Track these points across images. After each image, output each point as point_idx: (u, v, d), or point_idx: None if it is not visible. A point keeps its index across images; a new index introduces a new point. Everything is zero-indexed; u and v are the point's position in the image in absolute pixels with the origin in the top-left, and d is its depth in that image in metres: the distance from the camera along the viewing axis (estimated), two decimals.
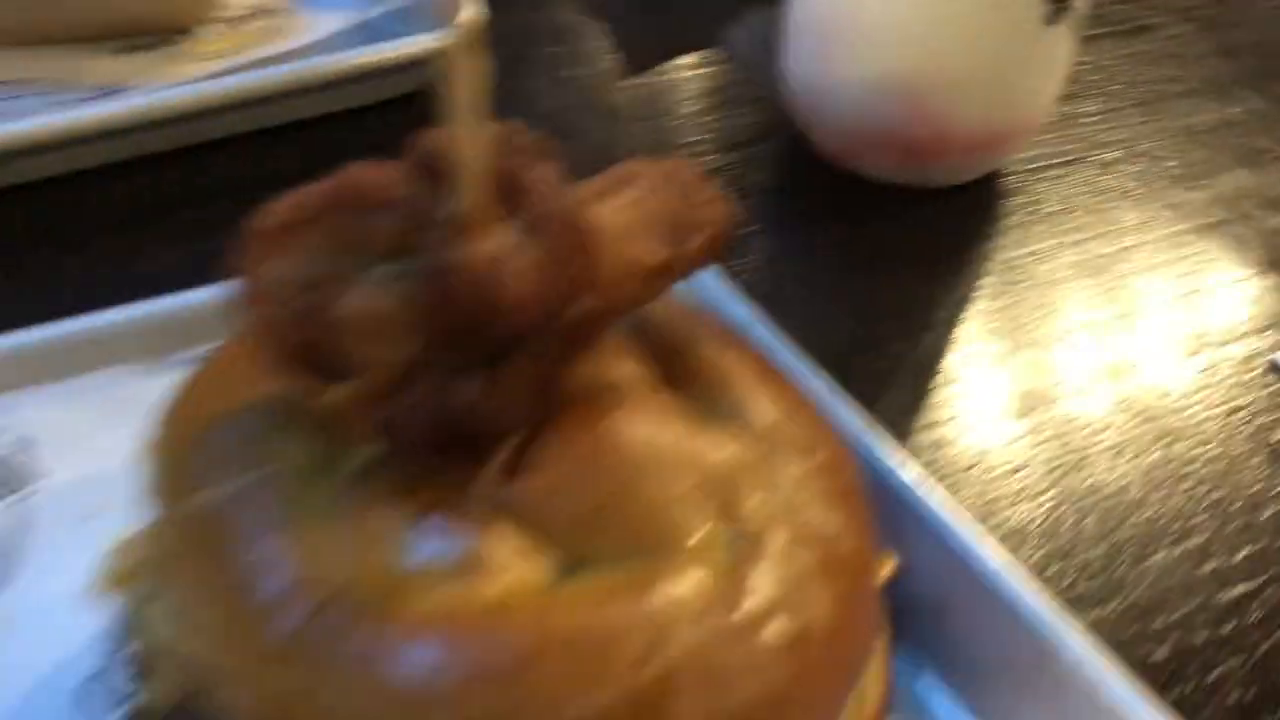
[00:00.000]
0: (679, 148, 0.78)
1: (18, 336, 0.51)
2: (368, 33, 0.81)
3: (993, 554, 0.45)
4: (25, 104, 0.69)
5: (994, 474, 0.57)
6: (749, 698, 0.34)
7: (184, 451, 0.39)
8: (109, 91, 0.71)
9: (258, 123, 0.73)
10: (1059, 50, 0.70)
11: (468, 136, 0.35)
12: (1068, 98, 0.87)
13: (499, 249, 0.35)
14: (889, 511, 0.47)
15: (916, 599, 0.47)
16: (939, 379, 0.62)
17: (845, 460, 0.43)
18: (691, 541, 0.36)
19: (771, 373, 0.45)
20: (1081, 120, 0.85)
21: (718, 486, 0.38)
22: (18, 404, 0.50)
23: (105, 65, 0.74)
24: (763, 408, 0.42)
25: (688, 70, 0.87)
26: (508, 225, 0.36)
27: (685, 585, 0.35)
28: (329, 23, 0.81)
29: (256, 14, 0.83)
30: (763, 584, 0.36)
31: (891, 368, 0.62)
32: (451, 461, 0.37)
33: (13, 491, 0.48)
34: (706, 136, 0.80)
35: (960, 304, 0.67)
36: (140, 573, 0.39)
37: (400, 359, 0.35)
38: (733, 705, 0.34)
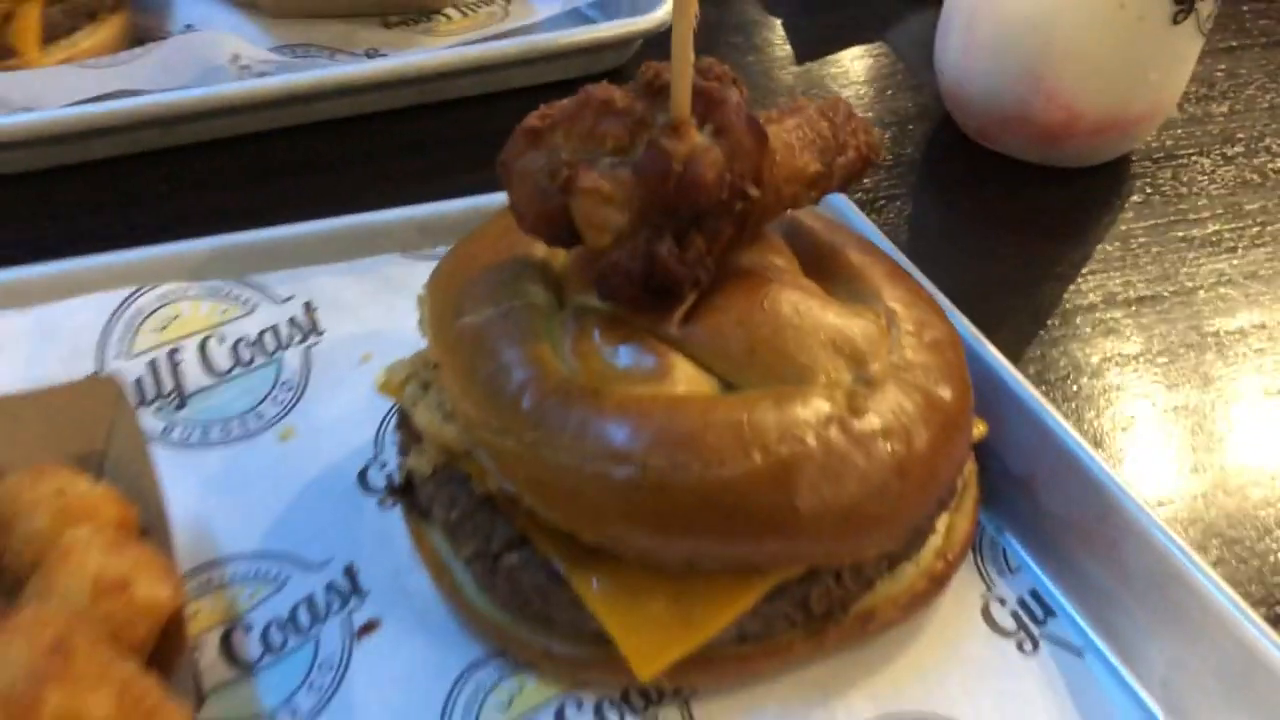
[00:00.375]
0: None
1: (312, 225, 0.66)
2: (574, 17, 0.95)
3: (1071, 430, 0.55)
4: (311, 60, 0.85)
5: (1092, 389, 0.67)
6: (855, 494, 0.46)
7: (449, 293, 0.53)
8: (375, 54, 0.87)
9: (485, 87, 0.87)
10: (1184, 48, 0.79)
11: (679, 64, 0.47)
12: (1200, 99, 0.95)
13: (697, 145, 0.47)
14: (988, 393, 0.58)
15: (1005, 469, 0.58)
16: (1051, 320, 0.72)
17: (953, 340, 0.54)
18: (822, 379, 0.48)
19: (897, 272, 0.56)
20: (1211, 118, 0.93)
21: (846, 344, 0.50)
22: (309, 275, 0.65)
23: (373, 35, 0.90)
24: (888, 294, 0.54)
25: (852, 60, 0.98)
26: (704, 130, 0.48)
27: (814, 404, 0.47)
28: (544, 9, 0.96)
29: (486, 1, 0.98)
30: (877, 414, 0.47)
31: (1010, 307, 0.72)
32: (646, 308, 0.50)
33: (302, 340, 0.63)
34: (866, 114, 0.91)
35: (1078, 264, 0.77)
36: (410, 379, 0.53)
37: (617, 225, 0.48)
38: (843, 496, 0.46)
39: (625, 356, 0.48)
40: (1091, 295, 0.75)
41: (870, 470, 0.46)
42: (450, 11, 0.96)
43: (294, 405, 0.60)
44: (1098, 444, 0.64)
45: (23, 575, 0.44)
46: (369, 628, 0.51)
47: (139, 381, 0.60)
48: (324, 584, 0.52)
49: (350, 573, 0.53)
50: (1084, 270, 0.77)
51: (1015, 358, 0.68)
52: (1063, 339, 0.71)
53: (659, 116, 0.49)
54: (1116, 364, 0.70)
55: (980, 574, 0.55)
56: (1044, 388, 0.67)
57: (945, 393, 0.50)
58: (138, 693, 0.39)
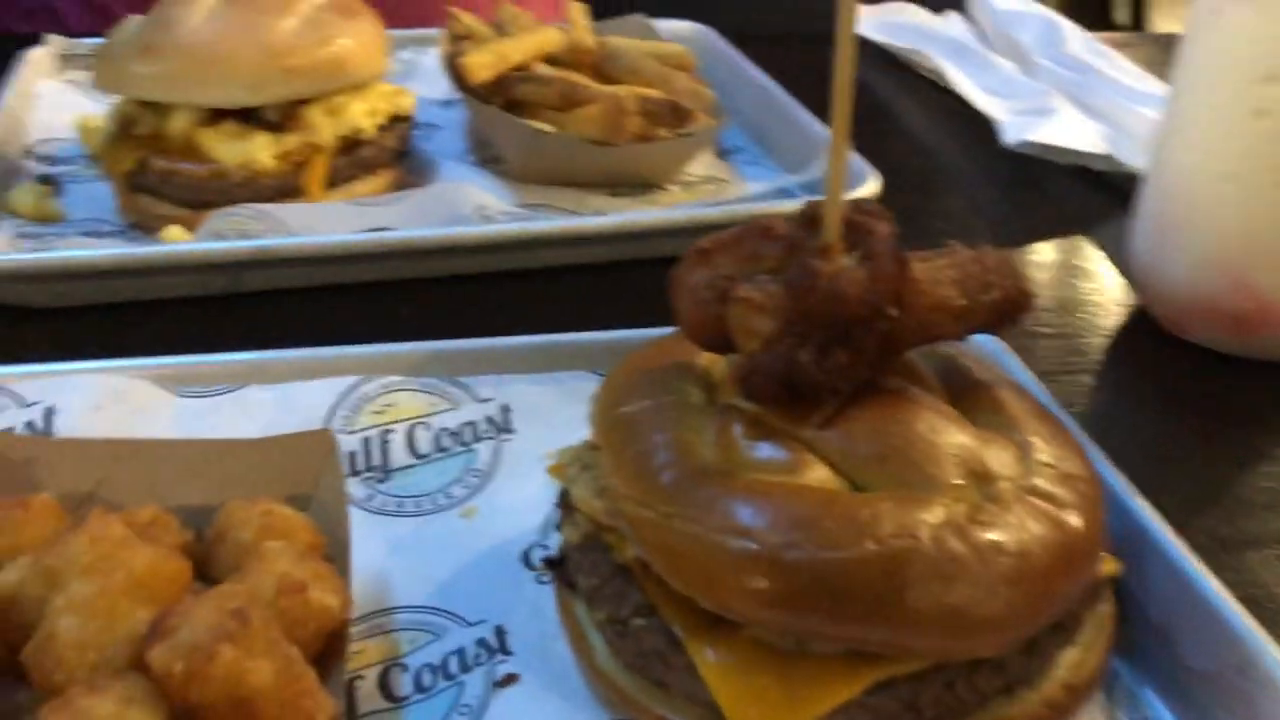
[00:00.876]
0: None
1: (519, 339, 0.75)
2: (784, 195, 1.03)
3: (1211, 579, 0.55)
4: (545, 216, 0.97)
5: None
6: (964, 594, 0.48)
7: (615, 389, 0.59)
8: (599, 215, 0.98)
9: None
10: None
11: (832, 194, 0.54)
12: None
13: (843, 265, 0.53)
14: (1134, 543, 0.59)
15: (1147, 620, 0.58)
16: (1222, 497, 0.72)
17: (1089, 477, 0.55)
18: (948, 490, 0.51)
19: (1043, 413, 0.59)
20: None
21: (977, 463, 0.53)
22: (509, 382, 0.73)
23: (602, 201, 1.01)
24: (1028, 428, 0.56)
25: (1050, 250, 1.02)
26: (852, 255, 0.54)
27: (935, 509, 0.50)
28: (756, 187, 1.05)
29: (708, 180, 1.08)
30: (997, 527, 0.50)
31: (1177, 479, 0.72)
32: (787, 410, 0.54)
33: (496, 435, 0.71)
34: (1058, 302, 0.94)
35: (1263, 454, 0.76)
36: (574, 462, 0.59)
37: (766, 331, 0.54)
38: (951, 595, 0.48)
39: (762, 449, 0.53)
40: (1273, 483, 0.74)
41: (982, 574, 0.48)
42: (673, 186, 1.06)
43: (480, 490, 0.68)
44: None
45: (225, 579, 0.52)
46: (508, 680, 0.56)
47: (353, 454, 0.69)
48: (475, 639, 0.58)
49: (500, 633, 0.58)
50: (1268, 464, 0.76)
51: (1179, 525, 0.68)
52: (1233, 514, 0.70)
53: (812, 243, 0.55)
54: None
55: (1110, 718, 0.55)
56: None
57: (1072, 520, 0.52)
58: (296, 672, 0.45)
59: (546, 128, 0.99)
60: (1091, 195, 1.11)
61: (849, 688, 0.49)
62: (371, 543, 0.63)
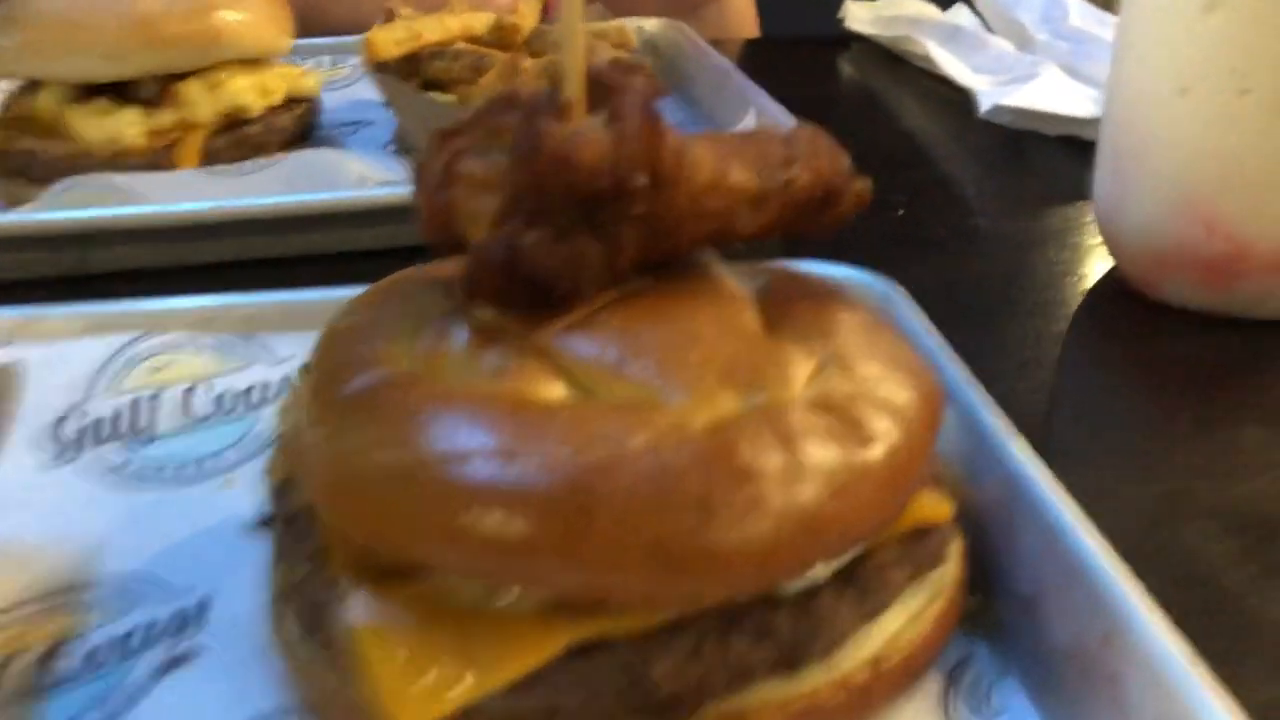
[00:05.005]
0: (996, 282, 0.79)
1: (325, 292, 0.65)
2: None
3: (1088, 536, 0.42)
4: None
5: None
6: (676, 527, 0.36)
7: (354, 304, 0.48)
8: None
9: None
10: None
11: (571, 47, 0.43)
12: None
13: (579, 127, 0.42)
14: (1005, 500, 0.46)
15: (1013, 591, 0.45)
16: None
17: (917, 405, 0.43)
18: (686, 399, 0.39)
19: (882, 332, 0.46)
20: None
21: (743, 370, 0.41)
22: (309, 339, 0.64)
23: None
24: (844, 342, 0.44)
25: (1036, 222, 0.89)
26: (596, 116, 0.43)
27: (666, 415, 0.38)
28: None
29: None
30: (745, 440, 0.38)
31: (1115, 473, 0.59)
32: (521, 311, 0.43)
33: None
34: (1030, 271, 0.81)
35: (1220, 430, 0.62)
36: (294, 395, 0.49)
37: (492, 213, 0.43)
38: (662, 527, 0.36)
39: (479, 358, 0.42)
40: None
41: (700, 493, 0.36)
42: None
43: (254, 457, 0.57)
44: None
45: None
46: (180, 660, 0.45)
47: (116, 416, 0.59)
48: (173, 610, 0.47)
49: (204, 604, 0.48)
50: (1226, 429, 0.62)
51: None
52: (1178, 484, 0.56)
53: (553, 108, 0.44)
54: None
55: (945, 712, 0.42)
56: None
57: (865, 444, 0.39)
58: None
59: (447, 98, 0.91)
60: (1083, 165, 0.97)
61: (544, 648, 0.37)
62: (106, 512, 0.53)
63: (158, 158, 0.86)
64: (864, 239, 0.85)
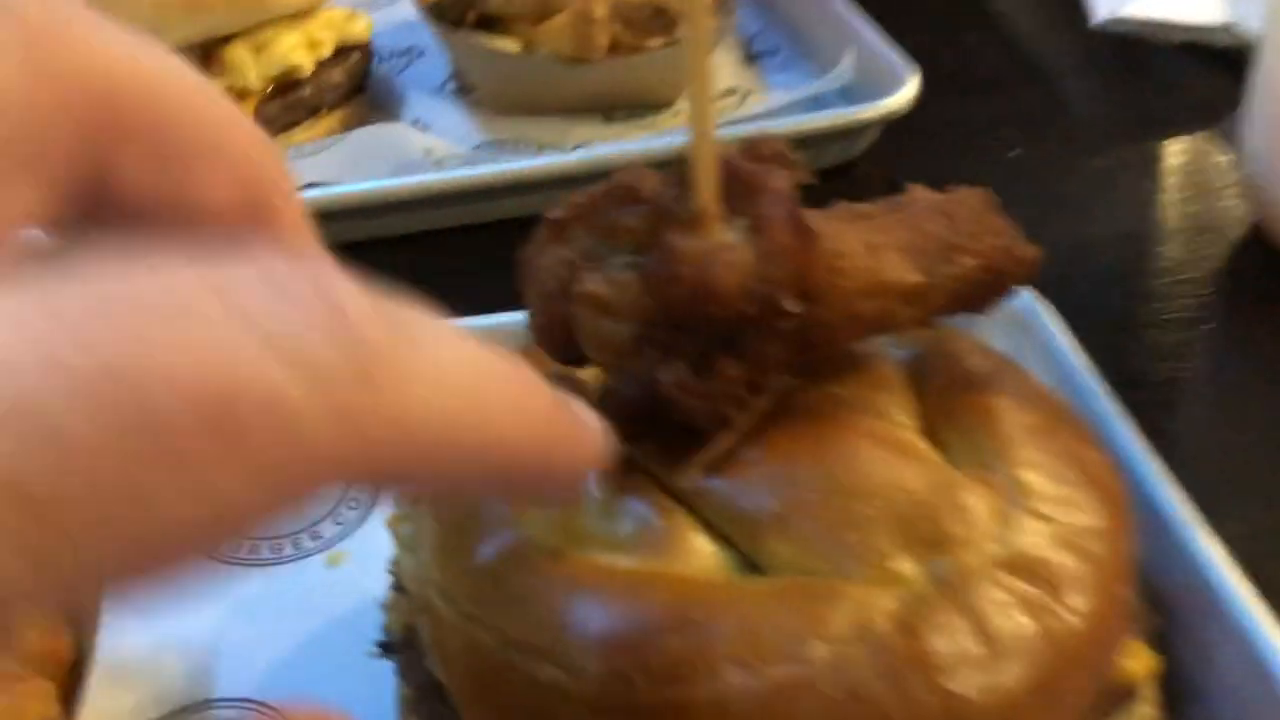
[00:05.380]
0: (1118, 233, 0.72)
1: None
2: (818, 106, 0.84)
3: None
4: (517, 156, 0.81)
5: None
6: None
7: None
8: (580, 148, 0.81)
9: None
10: None
11: (703, 139, 0.37)
12: None
13: (715, 243, 0.36)
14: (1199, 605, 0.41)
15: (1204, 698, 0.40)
16: None
17: (1110, 531, 0.38)
18: (872, 569, 0.35)
19: (1057, 428, 0.41)
20: None
21: (926, 523, 0.36)
22: None
23: (590, 130, 0.84)
24: (1021, 457, 0.39)
25: (1157, 155, 0.81)
26: (734, 224, 0.37)
27: (848, 610, 0.33)
28: (785, 96, 0.86)
29: (728, 93, 0.90)
30: (938, 634, 0.33)
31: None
32: (665, 446, 0.38)
33: None
34: (1156, 219, 0.74)
35: None
36: (414, 514, 0.45)
37: (621, 342, 0.38)
38: None
39: (615, 512, 0.37)
40: None
41: (893, 713, 0.32)
42: (684, 104, 0.88)
43: (356, 528, 0.54)
44: None
45: None
46: None
47: None
48: None
49: None
50: None
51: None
52: None
53: (682, 208, 0.38)
54: None
55: None
56: None
57: (1069, 610, 0.35)
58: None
59: (511, 47, 0.83)
60: (1211, 79, 0.88)
61: None
62: (213, 606, 0.50)
63: None
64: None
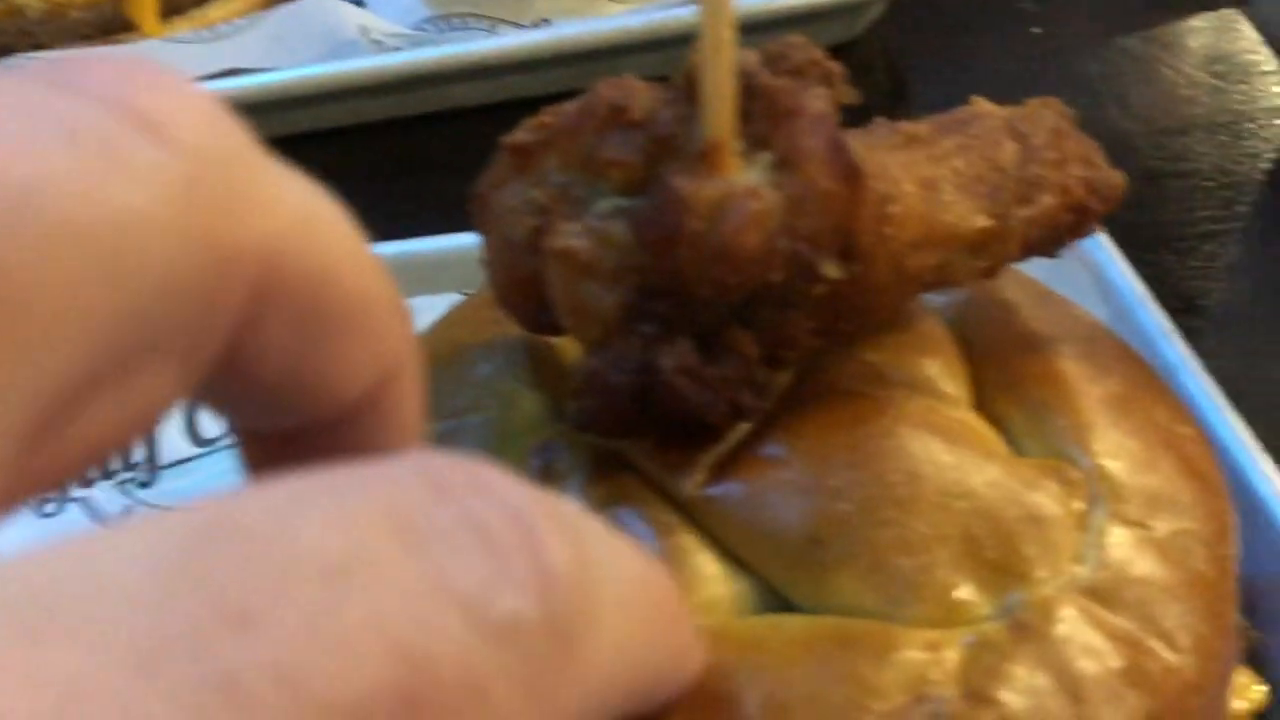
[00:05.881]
0: (1156, 126, 0.64)
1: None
2: None
3: None
4: (460, 36, 0.71)
5: None
6: None
7: None
8: (543, 26, 0.71)
9: (665, 68, 0.69)
10: None
11: (718, 47, 0.28)
12: None
13: (736, 187, 0.28)
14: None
15: None
16: None
17: (1215, 535, 0.31)
18: (933, 605, 0.27)
19: (1141, 400, 0.34)
20: None
21: (993, 539, 0.28)
22: None
23: (553, 3, 0.74)
24: (1102, 441, 0.31)
25: (1191, 29, 0.72)
26: (757, 159, 0.28)
27: (903, 665, 0.26)
28: None
29: None
30: (1015, 693, 0.26)
31: None
32: (664, 439, 0.30)
33: None
34: (1196, 112, 0.65)
35: None
36: None
37: (607, 312, 0.29)
38: None
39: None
40: None
41: None
42: None
43: None
44: None
45: None
46: None
47: None
48: None
49: None
50: None
51: None
52: None
53: (689, 136, 0.29)
54: None
55: None
56: None
57: (1172, 644, 0.28)
58: None
59: None
60: None
61: None
62: None
63: (105, 11, 0.69)
64: (992, 75, 0.69)
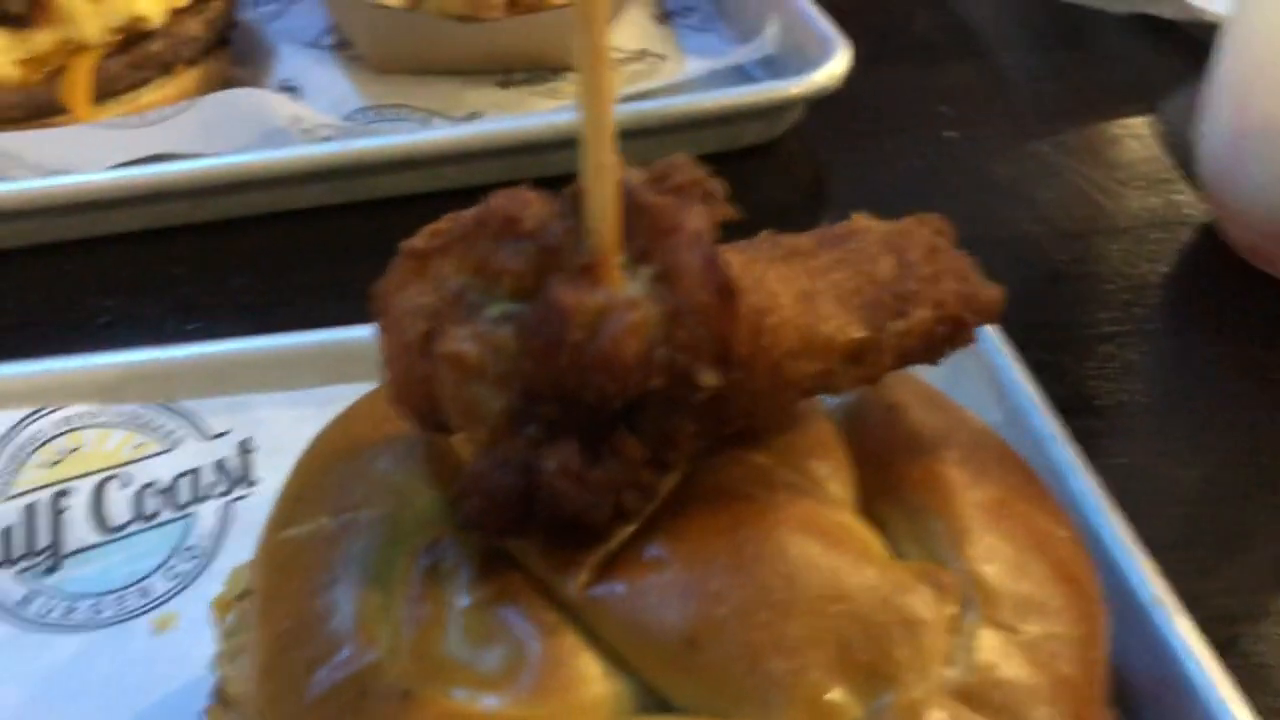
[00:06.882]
0: (1061, 229, 0.66)
1: (269, 341, 0.51)
2: (739, 77, 0.77)
3: None
4: (395, 126, 0.72)
5: None
6: None
7: (302, 481, 0.36)
8: (474, 117, 0.73)
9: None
10: None
11: (600, 171, 0.29)
12: None
13: (617, 298, 0.29)
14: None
15: None
16: None
17: (1082, 639, 0.32)
18: (802, 709, 0.28)
19: (1019, 505, 0.35)
20: None
21: (865, 644, 0.29)
22: (253, 405, 0.50)
23: (483, 95, 0.75)
24: (977, 545, 0.32)
25: (1097, 136, 0.74)
26: (639, 273, 0.29)
27: None
28: (703, 65, 0.78)
29: (643, 56, 0.82)
30: None
31: (1249, 530, 0.48)
32: (551, 539, 0.31)
33: (229, 489, 0.48)
34: (1100, 216, 0.67)
35: None
36: (235, 603, 0.37)
37: (493, 416, 0.30)
38: None
39: (480, 627, 0.30)
40: None
41: None
42: None
43: (191, 582, 0.46)
44: None
45: None
46: None
47: (8, 532, 0.47)
48: None
49: None
50: None
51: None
52: None
53: (574, 248, 0.30)
54: None
55: None
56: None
57: None
58: None
59: (393, 1, 0.74)
60: (1158, 55, 0.82)
61: None
62: (18, 676, 0.42)
63: (37, 95, 0.69)
64: (908, 175, 0.71)
